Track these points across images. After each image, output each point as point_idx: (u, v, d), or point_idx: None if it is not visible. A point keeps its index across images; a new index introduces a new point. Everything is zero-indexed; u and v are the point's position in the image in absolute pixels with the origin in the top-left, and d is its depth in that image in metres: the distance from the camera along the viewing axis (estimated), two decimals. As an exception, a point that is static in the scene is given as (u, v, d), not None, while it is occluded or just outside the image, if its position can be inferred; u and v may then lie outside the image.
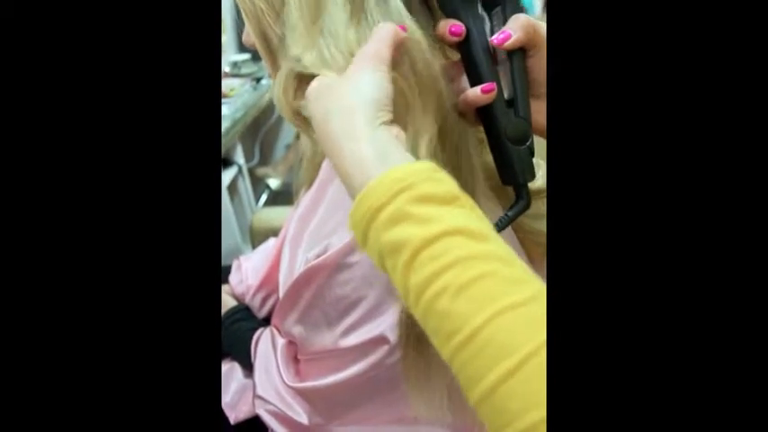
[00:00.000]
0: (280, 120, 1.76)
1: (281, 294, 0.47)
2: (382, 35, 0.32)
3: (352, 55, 0.33)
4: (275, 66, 0.41)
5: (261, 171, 1.77)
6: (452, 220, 0.25)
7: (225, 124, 1.20)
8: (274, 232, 0.96)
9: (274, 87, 0.39)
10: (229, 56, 1.75)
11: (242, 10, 0.40)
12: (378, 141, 0.28)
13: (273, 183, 1.76)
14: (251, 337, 0.56)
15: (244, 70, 1.59)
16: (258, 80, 1.52)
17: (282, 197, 2.02)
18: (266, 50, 0.40)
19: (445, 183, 0.27)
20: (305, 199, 0.55)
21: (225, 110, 1.24)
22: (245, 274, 0.70)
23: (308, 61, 0.34)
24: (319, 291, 0.37)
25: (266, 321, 0.61)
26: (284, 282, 0.47)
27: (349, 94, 0.30)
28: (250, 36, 0.41)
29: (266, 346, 0.51)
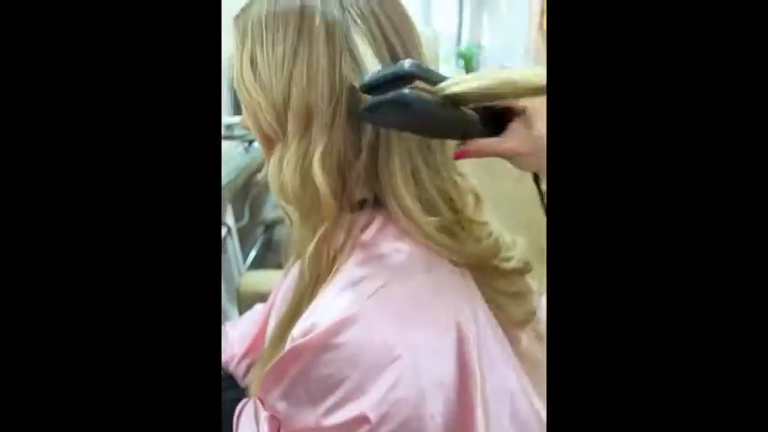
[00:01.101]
0: (270, 179, 1.79)
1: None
2: None
3: None
4: (269, 148, 0.44)
5: (271, 216, 1.79)
6: None
7: (216, 186, 1.22)
8: (261, 296, 0.96)
9: (275, 169, 0.42)
10: (223, 118, 1.80)
11: (240, 99, 0.43)
12: None
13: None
14: (233, 409, 0.56)
15: (236, 132, 1.63)
16: (251, 142, 1.56)
17: (270, 255, 2.01)
18: (262, 136, 0.43)
19: None
20: (293, 270, 0.56)
21: (217, 172, 1.27)
22: (231, 342, 0.71)
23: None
24: (304, 369, 0.38)
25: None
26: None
27: None
28: (247, 122, 0.44)
29: (249, 420, 0.50)
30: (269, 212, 2.05)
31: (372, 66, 0.39)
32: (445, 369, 0.38)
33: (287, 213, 0.48)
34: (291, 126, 0.40)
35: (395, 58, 0.40)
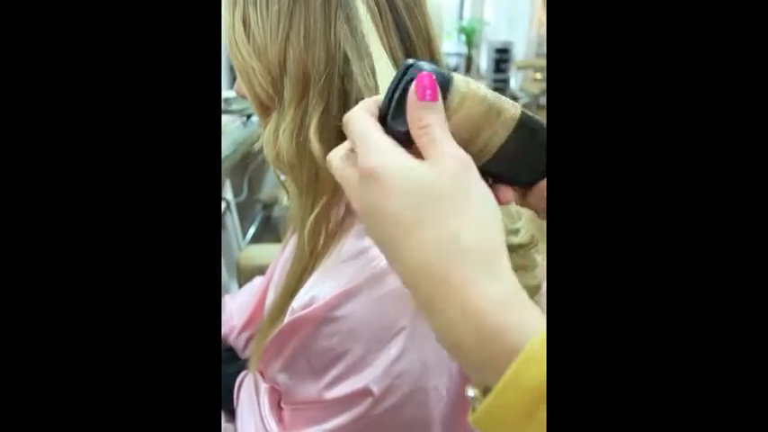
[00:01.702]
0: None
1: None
2: None
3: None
4: (266, 115, 0.42)
5: (265, 196, 1.78)
6: None
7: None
8: (261, 270, 0.95)
9: (271, 138, 0.40)
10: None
11: (233, 64, 0.41)
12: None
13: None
14: (233, 381, 0.56)
15: (234, 106, 1.61)
16: (249, 117, 1.54)
17: (269, 231, 2.01)
18: (257, 103, 0.41)
19: None
20: (291, 243, 0.55)
21: (215, 146, 1.26)
22: (230, 314, 0.70)
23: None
24: (305, 342, 0.37)
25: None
26: (269, 326, 0.47)
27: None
28: (242, 88, 0.43)
29: (249, 392, 0.50)
30: (266, 191, 2.04)
31: (370, 32, 0.37)
32: None
33: (283, 184, 0.46)
34: (288, 92, 0.38)
35: (396, 17, 0.38)
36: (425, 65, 0.27)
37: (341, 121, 0.37)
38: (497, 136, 0.27)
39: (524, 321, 0.21)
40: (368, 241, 0.38)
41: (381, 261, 0.37)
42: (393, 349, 0.35)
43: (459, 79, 0.27)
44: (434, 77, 0.26)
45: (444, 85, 0.26)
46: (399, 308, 0.36)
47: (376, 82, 0.36)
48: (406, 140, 0.26)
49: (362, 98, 0.36)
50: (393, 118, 0.27)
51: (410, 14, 0.38)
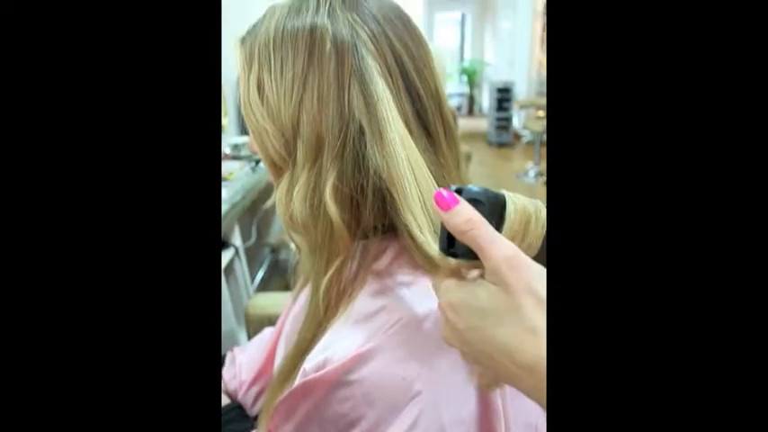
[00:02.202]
0: (277, 199, 1.80)
1: (276, 398, 0.45)
2: None
3: None
4: (278, 176, 0.42)
5: (273, 239, 1.78)
6: None
7: (223, 207, 1.22)
8: (269, 319, 0.94)
9: (284, 200, 0.40)
10: (230, 138, 1.80)
11: (247, 124, 0.42)
12: None
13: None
14: (243, 441, 0.54)
15: (244, 152, 1.64)
16: (258, 162, 1.56)
17: (278, 275, 2.00)
18: (270, 163, 0.42)
19: None
20: (302, 296, 0.55)
21: (224, 193, 1.26)
22: (239, 368, 0.69)
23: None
24: (317, 406, 0.36)
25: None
26: (279, 382, 0.45)
27: None
28: (254, 146, 0.43)
29: (259, 455, 0.48)
30: (274, 234, 2.05)
31: (384, 97, 0.37)
32: (466, 405, 0.36)
33: (296, 244, 0.46)
34: (301, 155, 0.38)
35: (407, 81, 0.38)
36: (475, 188, 0.30)
37: (355, 182, 0.37)
38: (539, 237, 0.31)
39: None
40: (382, 301, 0.37)
41: (397, 322, 0.36)
42: (410, 414, 0.34)
43: (509, 197, 0.31)
44: (484, 198, 0.30)
45: (501, 205, 0.30)
46: (415, 371, 0.35)
47: (386, 149, 0.36)
48: (472, 257, 0.30)
49: (377, 161, 0.36)
50: (456, 244, 0.30)
51: (420, 77, 0.39)
